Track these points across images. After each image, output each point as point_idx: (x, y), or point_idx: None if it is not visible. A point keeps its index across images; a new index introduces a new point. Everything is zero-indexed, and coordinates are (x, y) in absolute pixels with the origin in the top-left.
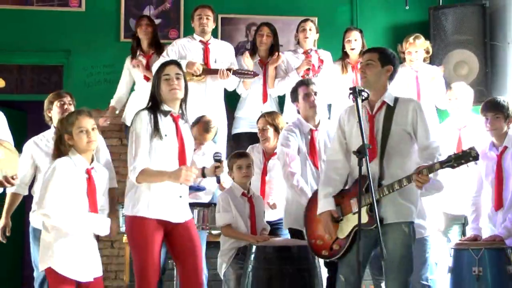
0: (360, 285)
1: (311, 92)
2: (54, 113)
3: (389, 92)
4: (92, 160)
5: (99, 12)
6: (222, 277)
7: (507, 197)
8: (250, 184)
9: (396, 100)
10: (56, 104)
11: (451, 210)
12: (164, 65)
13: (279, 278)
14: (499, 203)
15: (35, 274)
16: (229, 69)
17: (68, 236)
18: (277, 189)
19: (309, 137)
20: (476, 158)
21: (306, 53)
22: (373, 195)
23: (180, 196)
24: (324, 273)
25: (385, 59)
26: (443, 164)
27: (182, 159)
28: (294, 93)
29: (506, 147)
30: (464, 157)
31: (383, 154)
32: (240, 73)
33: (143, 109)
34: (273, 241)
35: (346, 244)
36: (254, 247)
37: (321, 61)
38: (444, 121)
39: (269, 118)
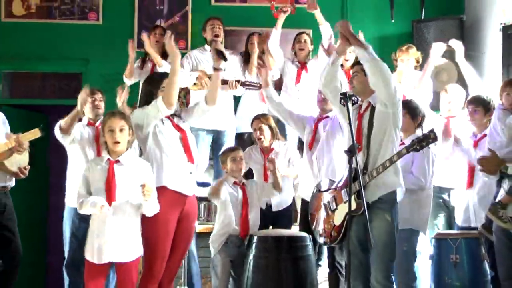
0: (366, 267)
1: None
2: (86, 108)
3: (375, 95)
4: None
5: (114, 25)
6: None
7: (478, 178)
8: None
9: None
10: (88, 100)
11: (437, 182)
12: (161, 78)
13: (276, 265)
14: (470, 183)
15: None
16: (237, 81)
17: (96, 223)
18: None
19: (313, 126)
20: (435, 139)
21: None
22: (361, 183)
23: (190, 173)
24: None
25: None
26: (409, 148)
27: (184, 139)
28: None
29: (484, 135)
30: (425, 139)
31: (368, 146)
32: (247, 84)
33: (137, 109)
34: (272, 232)
35: (342, 230)
36: (255, 238)
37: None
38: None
39: (263, 119)
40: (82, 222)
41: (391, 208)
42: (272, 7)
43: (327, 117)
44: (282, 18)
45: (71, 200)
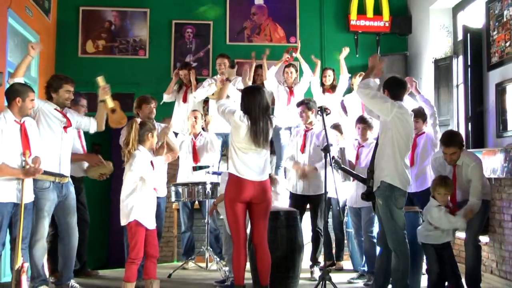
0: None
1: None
2: (142, 112)
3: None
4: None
5: (157, 58)
6: None
7: (417, 158)
8: None
9: None
10: (146, 106)
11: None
12: None
13: (273, 231)
14: (412, 163)
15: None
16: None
17: (142, 197)
18: None
19: (303, 134)
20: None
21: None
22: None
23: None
24: None
25: None
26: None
27: None
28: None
29: (424, 133)
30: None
31: (375, 150)
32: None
33: None
34: (272, 208)
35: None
36: None
37: (292, 92)
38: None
39: None
40: None
41: (383, 194)
42: (291, 58)
43: (312, 129)
44: (283, 60)
45: None
